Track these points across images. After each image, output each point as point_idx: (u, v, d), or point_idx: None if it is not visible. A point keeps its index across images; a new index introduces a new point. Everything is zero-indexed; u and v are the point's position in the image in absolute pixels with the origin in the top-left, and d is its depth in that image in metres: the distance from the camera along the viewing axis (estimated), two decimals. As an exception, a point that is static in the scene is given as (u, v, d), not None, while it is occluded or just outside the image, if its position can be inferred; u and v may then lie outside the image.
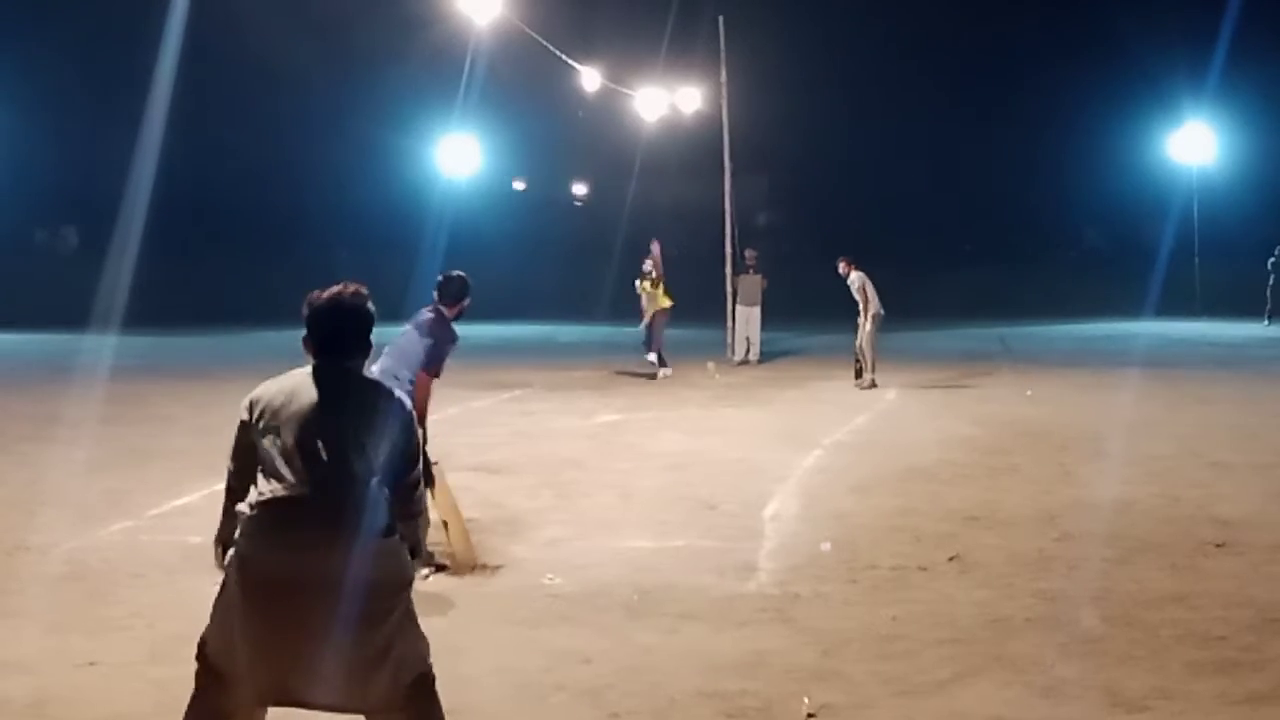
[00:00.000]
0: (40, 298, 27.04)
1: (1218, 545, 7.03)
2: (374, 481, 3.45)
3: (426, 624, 3.58)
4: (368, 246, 31.05)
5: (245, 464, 3.59)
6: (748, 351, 18.63)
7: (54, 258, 36.61)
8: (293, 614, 3.33)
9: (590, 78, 17.93)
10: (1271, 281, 25.46)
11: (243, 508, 3.51)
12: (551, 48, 16.01)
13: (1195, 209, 31.43)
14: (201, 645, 3.50)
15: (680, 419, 12.65)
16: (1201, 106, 31.48)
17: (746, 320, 18.78)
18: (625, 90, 19.54)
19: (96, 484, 8.94)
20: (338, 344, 3.56)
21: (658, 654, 5.31)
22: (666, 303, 16.89)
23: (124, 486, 8.92)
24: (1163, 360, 18.29)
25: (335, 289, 3.59)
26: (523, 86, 26.23)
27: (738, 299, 19.00)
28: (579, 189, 42.09)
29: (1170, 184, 32.41)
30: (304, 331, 3.58)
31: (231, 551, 3.49)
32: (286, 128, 34.34)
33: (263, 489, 3.46)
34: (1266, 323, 25.18)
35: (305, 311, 3.57)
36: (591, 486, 9.00)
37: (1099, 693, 4.83)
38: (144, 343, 21.41)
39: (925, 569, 6.61)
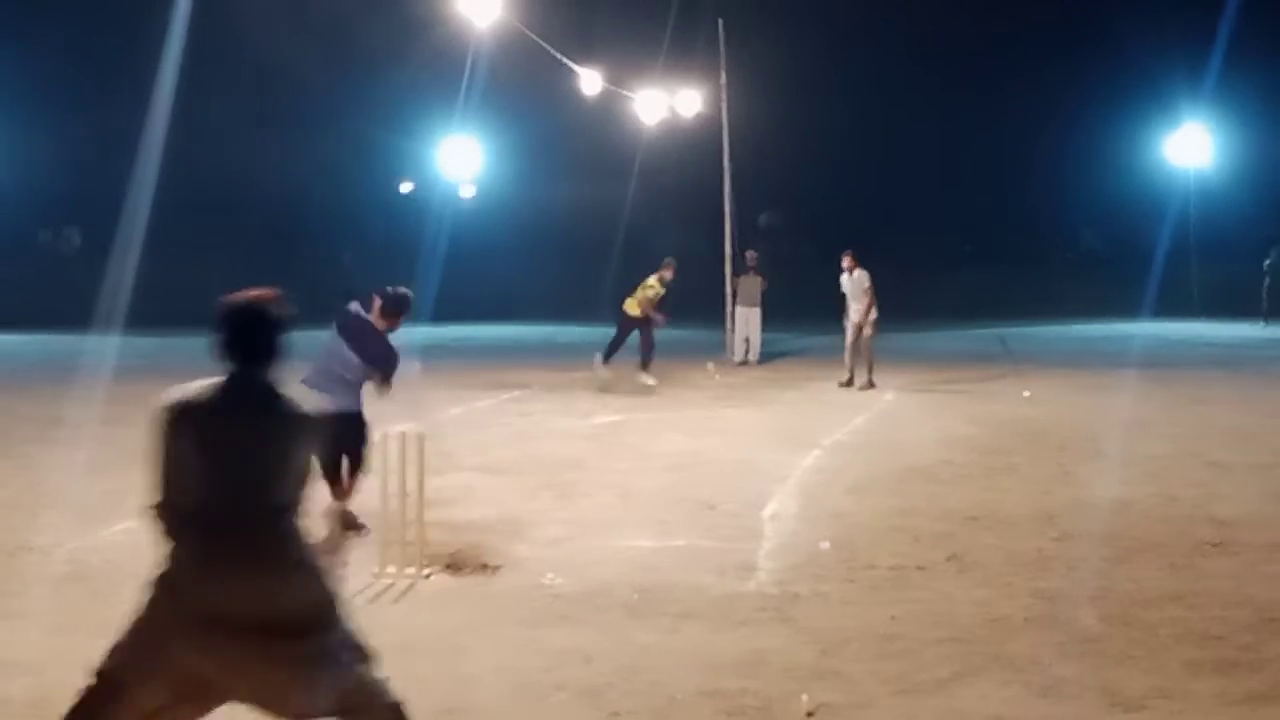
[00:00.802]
0: (43, 298, 27.02)
1: (1215, 545, 7.06)
2: (290, 501, 3.41)
3: (427, 624, 3.60)
4: (369, 247, 31.11)
5: (173, 477, 3.41)
6: (747, 352, 18.64)
7: (57, 258, 36.68)
8: (222, 645, 3.26)
9: (590, 80, 17.95)
10: (1268, 283, 25.45)
11: (162, 531, 3.39)
12: (552, 50, 16.01)
13: (1192, 211, 31.43)
14: (106, 658, 3.33)
15: (680, 419, 12.66)
16: (1199, 108, 31.48)
17: (746, 321, 18.78)
18: (625, 92, 19.56)
19: (99, 485, 8.95)
20: (250, 350, 3.50)
21: (658, 653, 5.33)
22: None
23: (126, 487, 8.88)
24: (1160, 361, 18.30)
25: (249, 293, 3.58)
26: (523, 88, 26.22)
27: (737, 300, 18.99)
28: (467, 191, 41.33)
29: (1167, 186, 32.40)
30: (215, 337, 3.50)
31: (156, 572, 3.37)
32: (289, 129, 34.38)
33: (179, 510, 3.35)
34: (1263, 324, 25.17)
35: (217, 315, 3.52)
36: (592, 486, 9.02)
37: (1097, 692, 4.85)
38: (147, 343, 21.39)
39: (924, 568, 6.64)
